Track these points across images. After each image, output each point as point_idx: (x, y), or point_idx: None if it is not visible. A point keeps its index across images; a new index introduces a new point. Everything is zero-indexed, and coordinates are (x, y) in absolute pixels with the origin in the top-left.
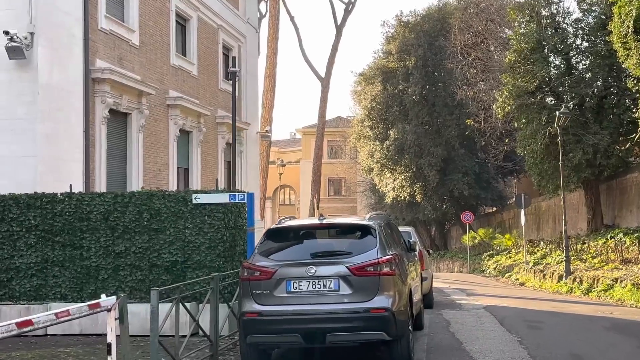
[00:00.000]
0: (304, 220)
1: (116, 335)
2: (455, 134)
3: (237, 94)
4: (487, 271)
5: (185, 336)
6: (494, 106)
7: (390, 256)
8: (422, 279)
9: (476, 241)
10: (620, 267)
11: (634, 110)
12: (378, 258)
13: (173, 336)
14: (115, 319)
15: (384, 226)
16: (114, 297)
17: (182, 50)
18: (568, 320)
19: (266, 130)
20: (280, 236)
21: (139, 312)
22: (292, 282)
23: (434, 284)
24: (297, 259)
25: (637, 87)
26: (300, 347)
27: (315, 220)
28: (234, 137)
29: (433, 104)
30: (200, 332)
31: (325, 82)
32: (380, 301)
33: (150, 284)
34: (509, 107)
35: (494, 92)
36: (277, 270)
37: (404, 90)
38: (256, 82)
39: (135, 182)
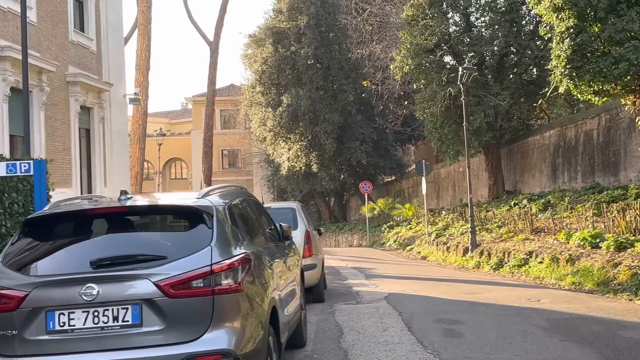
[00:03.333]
0: (95, 201)
1: None
2: (351, 99)
3: (93, 46)
4: (388, 244)
5: None
6: (391, 66)
7: (237, 259)
8: (309, 268)
9: (375, 212)
10: (532, 237)
11: (533, 69)
12: (212, 264)
13: None
14: None
15: (233, 207)
16: None
17: None
18: (492, 316)
19: (135, 93)
20: (47, 231)
21: None
22: (58, 314)
23: (330, 263)
24: (67, 273)
25: (549, 35)
26: None
27: (112, 202)
28: (25, 83)
29: (328, 67)
30: None
31: (214, 46)
32: (215, 340)
33: None
34: (407, 67)
35: (391, 51)
36: (29, 293)
37: (297, 52)
38: (121, 38)
39: None
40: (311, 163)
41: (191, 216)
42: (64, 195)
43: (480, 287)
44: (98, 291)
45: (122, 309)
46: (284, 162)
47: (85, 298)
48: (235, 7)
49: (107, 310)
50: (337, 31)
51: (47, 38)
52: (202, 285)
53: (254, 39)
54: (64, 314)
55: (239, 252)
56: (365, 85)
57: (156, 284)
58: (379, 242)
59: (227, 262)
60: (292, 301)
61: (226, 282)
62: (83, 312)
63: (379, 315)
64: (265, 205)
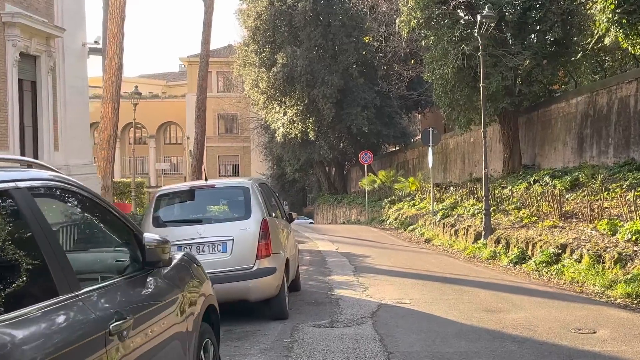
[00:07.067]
0: None
1: None
2: (353, 60)
3: None
4: (388, 222)
5: None
6: (397, 20)
7: None
8: (264, 274)
9: (376, 185)
10: (562, 225)
11: (559, 28)
12: None
13: None
14: None
15: None
16: None
17: None
18: None
19: (95, 42)
20: None
21: None
22: None
23: (318, 246)
24: None
25: None
26: None
27: None
28: None
29: (328, 24)
30: None
31: (208, 1)
32: None
33: None
34: (415, 21)
35: (397, 2)
36: None
37: (294, 5)
38: None
39: None
40: (308, 130)
41: None
42: None
43: (504, 299)
44: None
45: None
46: (278, 128)
47: None
48: None
49: None
50: None
51: None
52: None
53: None
54: None
55: None
56: (367, 41)
57: None
58: (378, 219)
59: None
60: None
61: None
62: None
63: (357, 357)
64: (208, 183)
